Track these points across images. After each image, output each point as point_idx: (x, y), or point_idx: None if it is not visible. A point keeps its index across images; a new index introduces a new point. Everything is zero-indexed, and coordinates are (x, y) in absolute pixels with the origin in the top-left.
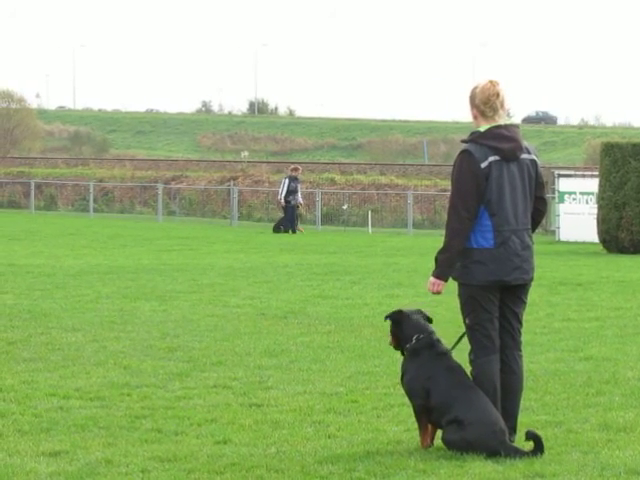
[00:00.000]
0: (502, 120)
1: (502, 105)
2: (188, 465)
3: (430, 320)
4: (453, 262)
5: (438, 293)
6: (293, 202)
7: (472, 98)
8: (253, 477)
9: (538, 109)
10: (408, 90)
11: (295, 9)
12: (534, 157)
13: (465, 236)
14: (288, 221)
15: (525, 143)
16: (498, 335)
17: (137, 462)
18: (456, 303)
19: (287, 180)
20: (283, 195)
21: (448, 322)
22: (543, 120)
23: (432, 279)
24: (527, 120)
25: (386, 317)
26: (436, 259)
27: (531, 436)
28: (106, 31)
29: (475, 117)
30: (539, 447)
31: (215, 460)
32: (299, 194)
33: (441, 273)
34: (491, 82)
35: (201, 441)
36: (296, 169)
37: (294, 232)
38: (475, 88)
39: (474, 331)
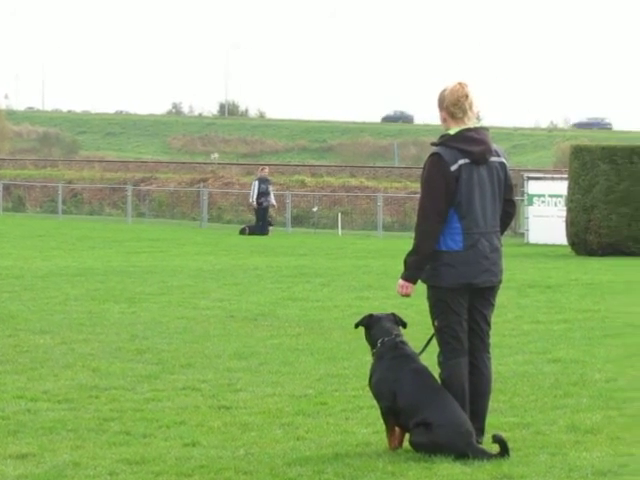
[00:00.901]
0: (472, 123)
1: (471, 107)
2: (156, 468)
3: (404, 323)
4: (422, 265)
5: (407, 296)
6: (265, 204)
7: (441, 101)
8: (222, 479)
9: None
10: (379, 92)
11: (266, 11)
12: (503, 160)
13: (435, 239)
14: (261, 224)
15: (494, 146)
16: (467, 337)
17: (105, 465)
18: (426, 305)
19: (257, 182)
20: (254, 197)
21: (417, 325)
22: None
23: (401, 282)
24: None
25: (356, 325)
26: (405, 261)
27: (497, 440)
28: (75, 32)
29: (444, 120)
30: (505, 450)
31: (183, 462)
32: (272, 195)
33: (410, 276)
34: (460, 84)
35: (169, 443)
36: (263, 169)
37: (266, 233)
38: (444, 91)
39: (443, 333)
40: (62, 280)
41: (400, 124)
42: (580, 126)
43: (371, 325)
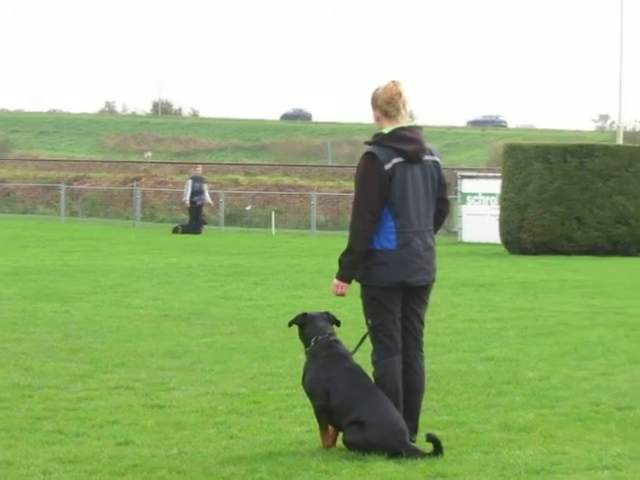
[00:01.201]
0: (405, 121)
1: (404, 105)
2: (89, 466)
3: (338, 322)
4: (357, 264)
5: (342, 295)
6: (199, 203)
7: (374, 99)
8: (155, 478)
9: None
10: (312, 91)
11: (199, 10)
12: (437, 159)
13: (369, 238)
14: (194, 223)
15: (428, 144)
16: (400, 336)
17: (38, 464)
18: (359, 304)
19: (191, 181)
20: (188, 196)
21: (351, 323)
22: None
23: (336, 281)
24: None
25: (290, 323)
26: (340, 261)
27: (431, 439)
28: (8, 30)
29: (378, 119)
30: (438, 449)
31: (117, 461)
32: (206, 194)
33: (345, 275)
34: (393, 82)
35: (103, 442)
36: (196, 168)
37: (199, 232)
38: (377, 89)
39: (377, 332)
40: None
41: (299, 122)
42: (475, 124)
43: (305, 324)
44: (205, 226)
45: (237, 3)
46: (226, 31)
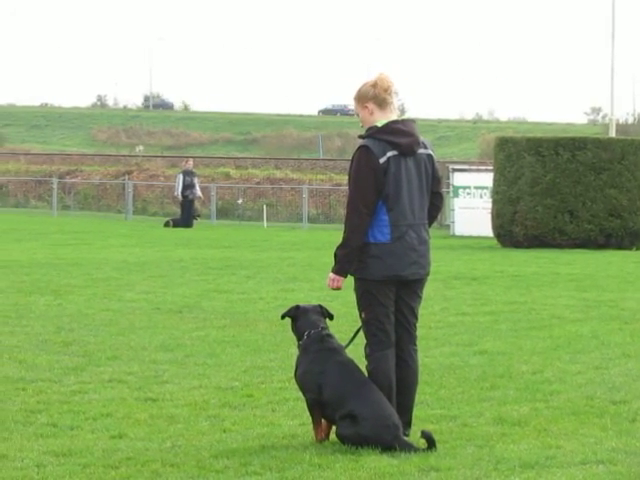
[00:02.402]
0: (396, 114)
1: (395, 97)
2: (83, 459)
3: (331, 315)
4: (352, 258)
5: (337, 289)
6: (190, 196)
7: (364, 94)
8: (148, 471)
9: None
10: (303, 84)
11: (191, 4)
12: (431, 152)
13: (364, 231)
14: (185, 216)
15: (421, 138)
16: (394, 329)
17: (32, 457)
18: (352, 297)
19: (182, 175)
20: (180, 190)
21: (343, 317)
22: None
23: (331, 275)
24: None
25: (282, 316)
26: (335, 255)
27: (425, 436)
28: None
29: (371, 113)
30: (432, 445)
31: (110, 454)
32: (197, 187)
33: (340, 269)
34: (382, 74)
35: (96, 435)
36: (187, 161)
37: (190, 226)
38: (365, 84)
39: (370, 325)
40: None
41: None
42: (325, 112)
43: (297, 317)
44: (197, 220)
45: None
46: (219, 25)
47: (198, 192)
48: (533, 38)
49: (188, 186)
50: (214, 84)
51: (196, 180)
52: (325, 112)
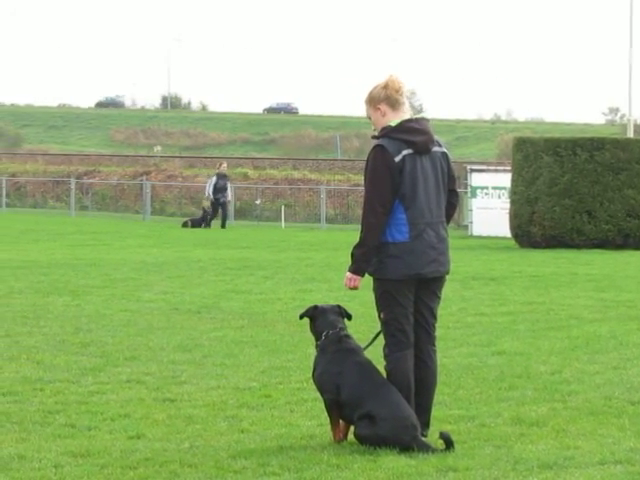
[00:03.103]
0: (409, 114)
1: (405, 98)
2: (101, 460)
3: (349, 316)
4: (370, 257)
5: (355, 288)
6: (222, 200)
7: (376, 95)
8: (166, 472)
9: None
10: (321, 84)
11: (208, 4)
12: (445, 150)
13: (381, 231)
14: (222, 216)
15: (435, 136)
16: (412, 330)
17: (50, 457)
18: (370, 297)
19: (215, 177)
20: (211, 192)
21: (361, 317)
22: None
23: (349, 274)
24: None
25: (300, 316)
26: (352, 254)
27: (444, 438)
28: (19, 25)
29: (384, 114)
30: (450, 446)
31: (128, 455)
32: (229, 191)
33: (358, 268)
34: (392, 75)
35: (114, 436)
36: (221, 164)
37: (224, 227)
38: (376, 86)
39: (389, 326)
40: (6, 273)
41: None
42: (269, 111)
43: (316, 317)
44: (214, 220)
45: None
46: (237, 25)
47: (229, 196)
48: (551, 38)
49: (220, 190)
50: (232, 84)
51: (229, 184)
52: (270, 110)
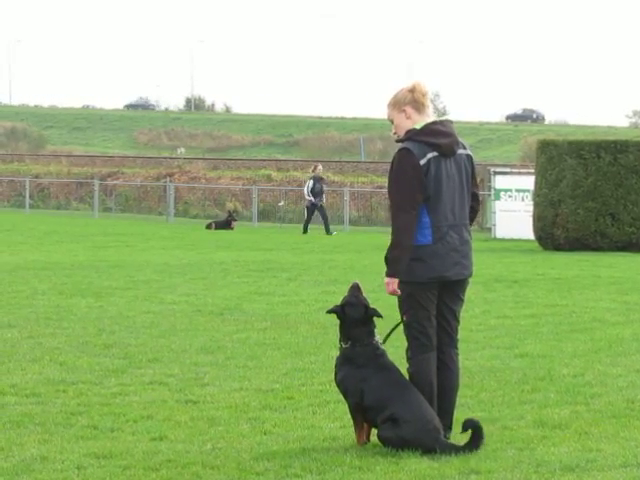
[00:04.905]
0: (432, 118)
1: (429, 102)
2: (124, 461)
3: (379, 315)
4: (404, 259)
5: (394, 293)
6: (319, 203)
7: (402, 99)
8: (189, 474)
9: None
10: (344, 87)
11: (232, 6)
12: (470, 152)
13: (412, 231)
14: (309, 221)
15: (460, 138)
16: (435, 333)
17: (73, 458)
18: (393, 299)
19: (312, 181)
20: (310, 195)
21: (385, 319)
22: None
23: (387, 279)
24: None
25: (328, 312)
26: (386, 258)
27: (470, 425)
28: (43, 26)
29: (409, 117)
30: (477, 438)
31: (151, 456)
32: (324, 195)
33: (394, 271)
34: (417, 80)
35: (137, 437)
36: (316, 167)
37: (328, 233)
38: (402, 90)
39: (412, 329)
40: (29, 274)
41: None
42: (130, 107)
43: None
44: (236, 222)
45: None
46: (260, 27)
47: (323, 199)
48: (575, 41)
49: (317, 193)
50: (255, 86)
51: (325, 187)
52: (130, 107)
